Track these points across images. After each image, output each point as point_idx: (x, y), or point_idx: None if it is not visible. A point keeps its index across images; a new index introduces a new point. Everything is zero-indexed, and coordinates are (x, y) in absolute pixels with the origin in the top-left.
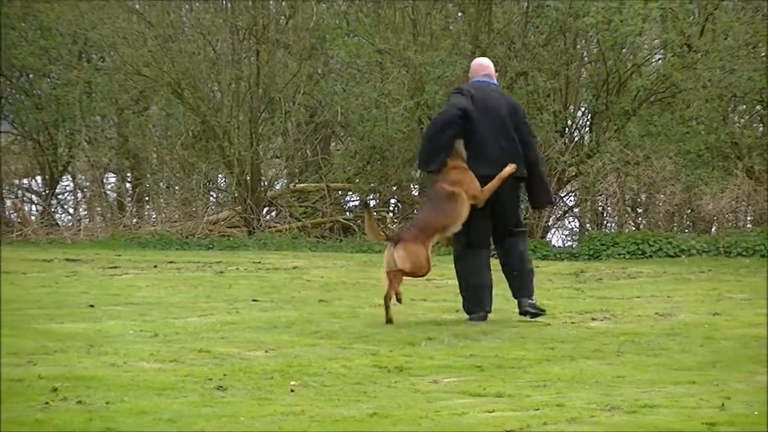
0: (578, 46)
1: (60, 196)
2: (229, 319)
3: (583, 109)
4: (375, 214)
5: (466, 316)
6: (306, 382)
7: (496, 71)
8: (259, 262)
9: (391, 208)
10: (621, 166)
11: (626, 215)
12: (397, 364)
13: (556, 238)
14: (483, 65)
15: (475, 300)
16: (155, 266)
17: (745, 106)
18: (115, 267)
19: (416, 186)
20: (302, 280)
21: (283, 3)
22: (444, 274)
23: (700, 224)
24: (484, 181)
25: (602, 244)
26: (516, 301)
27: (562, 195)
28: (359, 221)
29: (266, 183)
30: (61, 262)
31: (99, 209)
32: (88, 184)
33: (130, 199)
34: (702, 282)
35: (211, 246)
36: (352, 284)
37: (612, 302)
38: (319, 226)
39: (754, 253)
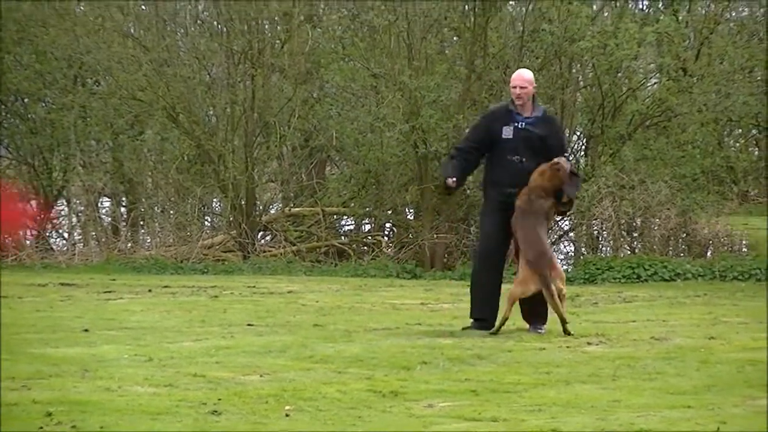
0: (573, 71)
1: (54, 221)
2: (223, 343)
3: (578, 133)
4: (370, 237)
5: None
6: (301, 406)
7: (492, 95)
8: (254, 287)
9: (386, 233)
10: (616, 190)
11: (621, 239)
12: (392, 389)
13: None
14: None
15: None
16: (150, 291)
17: (740, 131)
18: (110, 291)
19: (411, 210)
20: (297, 304)
21: (279, 27)
22: (439, 299)
23: (695, 248)
24: None
25: (597, 269)
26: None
27: (557, 219)
28: (354, 245)
29: (261, 207)
30: (55, 287)
31: (94, 233)
32: (82, 208)
33: (124, 223)
34: (697, 306)
35: (205, 270)
36: (348, 308)
37: (607, 326)
38: (314, 251)
39: (750, 277)
